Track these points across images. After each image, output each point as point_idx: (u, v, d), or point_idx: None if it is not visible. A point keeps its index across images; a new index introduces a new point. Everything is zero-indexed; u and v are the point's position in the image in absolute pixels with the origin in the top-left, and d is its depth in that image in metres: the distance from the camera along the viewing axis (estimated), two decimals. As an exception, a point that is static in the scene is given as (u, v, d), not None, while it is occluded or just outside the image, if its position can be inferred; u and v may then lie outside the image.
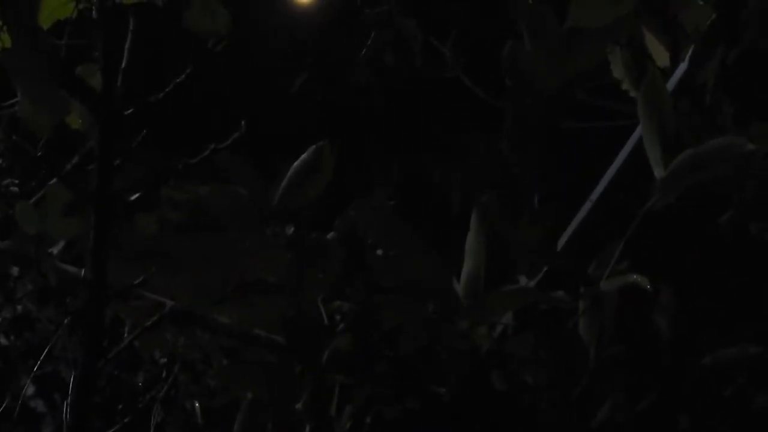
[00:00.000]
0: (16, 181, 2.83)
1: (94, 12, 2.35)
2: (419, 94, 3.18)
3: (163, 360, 3.10)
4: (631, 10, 2.46)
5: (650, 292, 2.25)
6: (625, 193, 2.75)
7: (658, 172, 2.23)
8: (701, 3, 2.48)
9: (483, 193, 2.47)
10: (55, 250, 2.83)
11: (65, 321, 2.63)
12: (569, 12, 2.50)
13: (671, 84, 2.59)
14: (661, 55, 2.51)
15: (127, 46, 2.42)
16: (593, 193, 2.80)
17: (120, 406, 3.23)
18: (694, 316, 2.36)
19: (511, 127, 2.69)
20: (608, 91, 2.72)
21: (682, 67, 2.58)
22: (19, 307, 2.67)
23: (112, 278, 2.36)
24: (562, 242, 2.83)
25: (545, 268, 2.43)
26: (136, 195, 2.58)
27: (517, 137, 2.68)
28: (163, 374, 3.08)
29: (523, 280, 2.45)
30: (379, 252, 2.61)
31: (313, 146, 2.59)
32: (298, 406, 2.32)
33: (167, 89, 2.51)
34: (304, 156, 2.60)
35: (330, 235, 2.61)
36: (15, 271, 2.76)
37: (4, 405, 2.92)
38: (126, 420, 2.88)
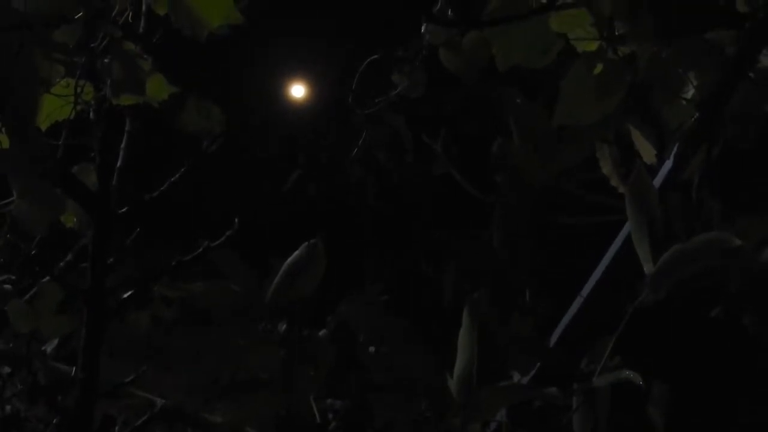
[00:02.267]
0: (13, 277, 2.78)
1: (91, 113, 2.37)
2: (411, 191, 3.19)
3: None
4: (618, 107, 2.48)
5: (643, 387, 2.23)
6: (616, 289, 2.74)
7: (648, 268, 2.23)
8: (684, 102, 2.50)
9: (474, 289, 2.44)
10: (48, 348, 2.77)
11: (55, 420, 2.56)
12: (557, 109, 2.49)
13: (658, 180, 2.61)
14: (647, 152, 2.52)
15: (122, 146, 2.45)
16: (584, 288, 2.73)
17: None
18: (687, 411, 2.41)
19: (501, 223, 2.74)
20: (599, 186, 2.74)
21: (668, 163, 2.60)
22: (8, 407, 2.60)
23: (103, 376, 2.34)
24: (554, 338, 2.80)
25: (538, 364, 2.46)
26: (129, 292, 2.51)
27: (507, 233, 2.73)
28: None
29: (516, 376, 2.45)
30: (372, 349, 2.56)
31: (306, 243, 2.61)
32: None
33: (162, 188, 2.49)
34: (296, 252, 2.61)
35: (322, 332, 2.61)
36: (5, 369, 2.70)
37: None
38: None
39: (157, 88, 2.29)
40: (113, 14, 2.22)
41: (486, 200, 2.84)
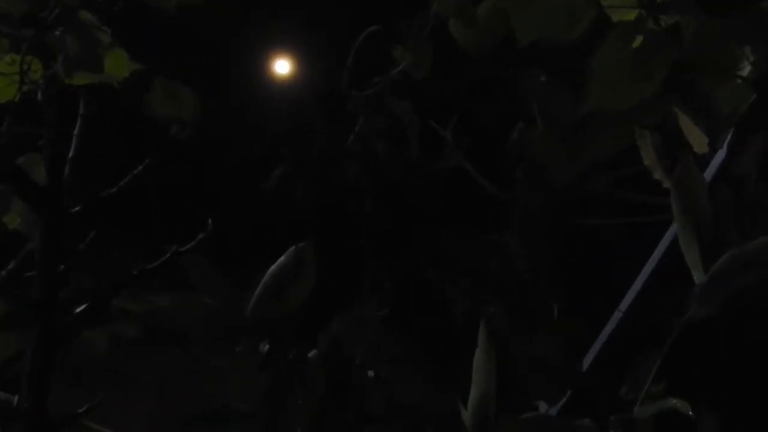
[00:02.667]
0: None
1: (39, 94, 2.35)
2: (416, 189, 3.16)
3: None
4: (661, 88, 2.45)
5: (692, 418, 2.23)
6: (660, 302, 2.70)
7: (697, 277, 2.21)
8: (738, 82, 2.47)
9: (490, 302, 2.49)
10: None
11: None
12: (587, 91, 2.48)
13: (709, 173, 2.62)
14: (696, 141, 2.47)
15: (76, 133, 2.43)
16: (622, 301, 2.72)
17: None
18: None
19: (520, 225, 2.75)
20: (637, 182, 2.75)
21: (721, 153, 2.60)
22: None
23: (53, 405, 2.33)
24: (587, 360, 2.80)
25: (568, 392, 2.43)
26: (84, 306, 2.50)
27: (527, 236, 2.74)
28: None
29: (542, 406, 2.44)
30: (370, 373, 2.54)
31: (292, 248, 2.59)
32: None
33: (122, 183, 2.50)
34: (281, 259, 2.60)
35: (312, 354, 2.58)
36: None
37: None
38: None
39: (118, 66, 2.30)
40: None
41: (503, 199, 2.85)
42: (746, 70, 2.45)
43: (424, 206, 3.27)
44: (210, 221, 2.56)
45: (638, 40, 2.39)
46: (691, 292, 2.21)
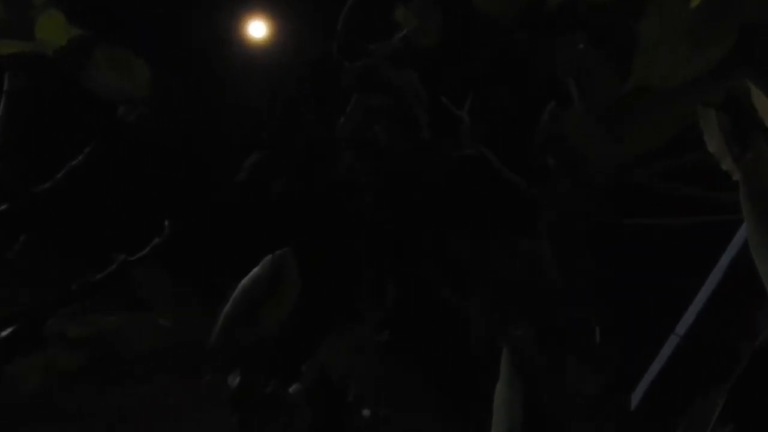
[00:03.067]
0: None
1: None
2: (424, 181, 3.06)
3: None
4: (726, 59, 2.39)
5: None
6: (726, 323, 2.62)
7: (774, 292, 2.03)
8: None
9: (515, 323, 2.45)
10: None
11: None
12: (636, 64, 2.43)
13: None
14: (775, 120, 2.31)
15: None
16: (679, 323, 2.75)
17: None
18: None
19: (552, 226, 2.73)
20: (695, 174, 2.72)
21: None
22: None
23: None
24: (636, 395, 2.74)
25: (611, 434, 2.26)
26: (11, 329, 2.47)
27: (561, 240, 2.71)
28: None
29: (578, 450, 2.29)
30: (366, 412, 2.46)
31: (270, 256, 2.56)
32: None
33: (58, 176, 2.44)
34: (256, 270, 2.57)
35: (294, 388, 2.54)
36: None
37: None
38: None
39: (53, 31, 2.26)
40: None
41: (531, 195, 2.82)
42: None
43: (435, 204, 3.16)
44: (167, 223, 2.53)
45: (696, 0, 2.33)
46: (762, 312, 2.21)
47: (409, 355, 2.53)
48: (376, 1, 3.30)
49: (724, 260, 2.68)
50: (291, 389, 2.44)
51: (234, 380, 2.47)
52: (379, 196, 3.23)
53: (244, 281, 2.50)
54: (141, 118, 2.49)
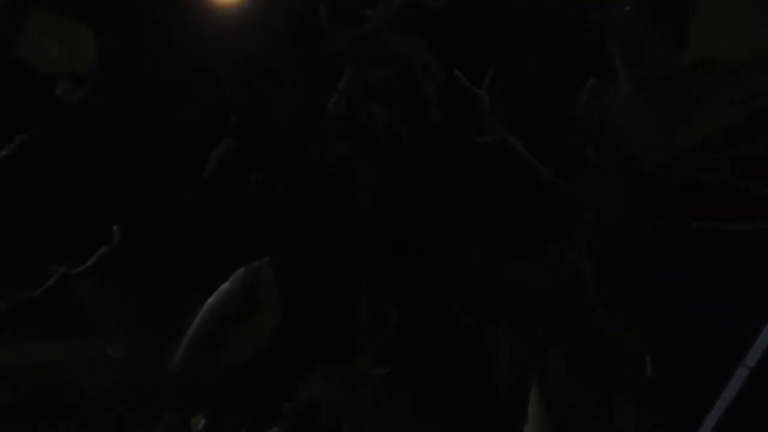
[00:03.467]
0: None
1: None
2: (434, 174, 2.99)
3: None
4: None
5: None
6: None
7: None
8: None
9: (545, 349, 2.44)
10: None
11: None
12: (693, 32, 2.44)
13: None
14: None
15: None
16: (749, 352, 2.66)
17: None
18: None
19: (591, 230, 2.70)
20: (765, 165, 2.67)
21: None
22: None
23: None
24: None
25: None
26: None
27: (602, 247, 2.69)
28: None
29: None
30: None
31: (241, 270, 2.52)
32: None
33: None
34: (225, 287, 2.53)
35: None
36: None
37: None
38: None
39: None
40: None
41: (566, 192, 2.77)
42: None
43: (449, 204, 3.10)
44: (116, 228, 2.51)
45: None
46: None
47: (413, 393, 2.52)
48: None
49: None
50: (271, 434, 2.11)
51: (199, 422, 2.44)
52: (381, 195, 3.15)
53: (212, 299, 2.46)
54: (86, 98, 2.52)
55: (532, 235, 2.79)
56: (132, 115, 3.17)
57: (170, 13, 3.47)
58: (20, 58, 2.50)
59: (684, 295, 2.68)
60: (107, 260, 2.49)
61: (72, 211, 3.26)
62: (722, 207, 2.72)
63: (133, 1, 3.40)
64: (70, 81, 2.49)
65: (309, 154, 3.26)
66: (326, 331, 2.87)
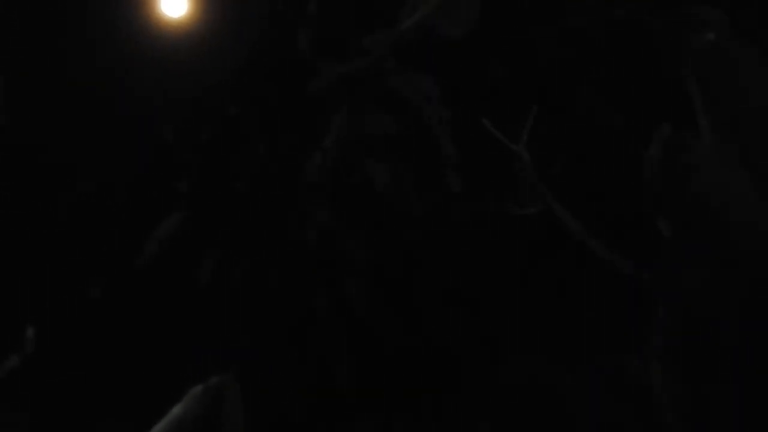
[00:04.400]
0: None
1: None
2: (449, 265, 2.61)
3: None
4: None
5: None
6: None
7: None
8: None
9: None
10: None
11: None
12: None
13: None
14: None
15: None
16: None
17: None
18: None
19: (666, 329, 2.26)
20: None
21: None
22: None
23: None
24: None
25: None
26: None
27: (678, 352, 2.23)
28: None
29: None
30: None
31: (197, 389, 2.19)
32: None
33: None
34: (176, 411, 2.17)
35: None
36: None
37: None
38: None
39: None
40: None
41: (631, 277, 2.33)
42: None
43: (474, 303, 2.73)
44: (30, 333, 2.29)
45: None
46: None
47: None
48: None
49: None
50: None
51: None
52: (378, 287, 2.70)
53: (160, 427, 2.16)
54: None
55: (588, 343, 2.47)
56: (45, 178, 2.82)
57: (100, 36, 3.09)
58: None
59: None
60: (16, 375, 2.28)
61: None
62: None
63: (52, 22, 3.02)
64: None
65: (280, 231, 2.70)
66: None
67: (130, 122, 3.25)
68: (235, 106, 2.96)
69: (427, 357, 2.66)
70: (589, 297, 2.53)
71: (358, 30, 2.85)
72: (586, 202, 2.53)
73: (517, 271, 2.77)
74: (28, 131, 2.55)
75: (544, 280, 2.67)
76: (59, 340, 2.52)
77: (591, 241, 2.44)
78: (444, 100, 2.76)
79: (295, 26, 2.86)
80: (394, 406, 2.73)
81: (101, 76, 3.26)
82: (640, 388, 2.37)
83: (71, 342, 2.72)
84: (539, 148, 2.59)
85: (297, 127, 2.91)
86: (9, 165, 2.54)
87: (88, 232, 3.05)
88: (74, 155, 3.11)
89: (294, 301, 2.75)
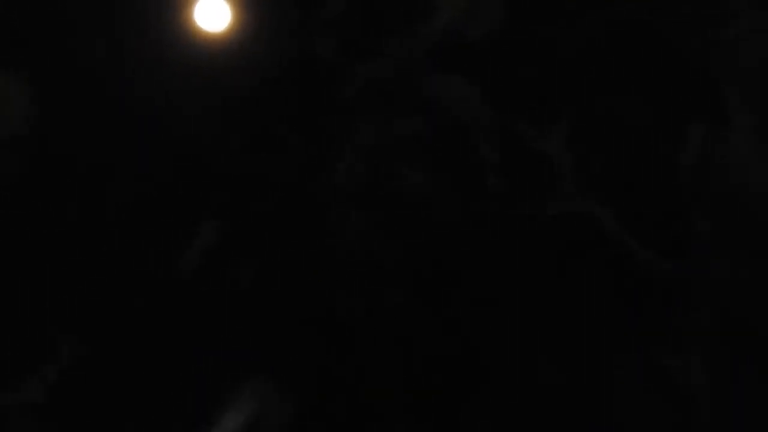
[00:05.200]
0: None
1: None
2: (488, 265, 2.53)
3: None
4: None
5: None
6: None
7: None
8: None
9: None
10: None
11: None
12: None
13: None
14: None
15: None
16: None
17: None
18: None
19: (705, 327, 2.28)
20: None
21: None
22: None
23: None
24: None
25: None
26: None
27: (717, 351, 2.26)
28: None
29: None
30: None
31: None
32: None
33: None
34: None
35: None
36: None
37: None
38: None
39: None
40: None
41: (670, 276, 2.29)
42: None
43: (511, 307, 2.59)
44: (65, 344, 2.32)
45: None
46: None
47: None
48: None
49: None
50: None
51: None
52: (414, 292, 2.62)
53: None
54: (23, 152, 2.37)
55: (627, 340, 2.35)
56: (77, 193, 2.77)
57: (129, 49, 3.05)
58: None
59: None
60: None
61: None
62: None
63: (79, 35, 3.00)
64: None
65: (315, 239, 2.71)
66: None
67: (162, 132, 3.27)
68: (269, 116, 3.06)
69: (460, 362, 2.66)
70: (626, 296, 2.41)
71: (384, 33, 2.79)
72: (622, 202, 2.46)
73: (554, 273, 2.77)
74: (59, 141, 2.50)
75: (582, 280, 2.55)
76: (99, 351, 2.46)
77: (626, 238, 2.40)
78: (479, 101, 2.70)
79: (318, 32, 2.85)
80: (425, 410, 2.75)
81: (135, 87, 3.27)
82: (678, 387, 2.31)
83: (112, 353, 2.72)
84: (576, 148, 2.54)
85: (326, 134, 2.89)
86: (43, 172, 2.63)
87: (126, 241, 3.07)
88: (107, 166, 3.13)
89: (329, 307, 2.76)
